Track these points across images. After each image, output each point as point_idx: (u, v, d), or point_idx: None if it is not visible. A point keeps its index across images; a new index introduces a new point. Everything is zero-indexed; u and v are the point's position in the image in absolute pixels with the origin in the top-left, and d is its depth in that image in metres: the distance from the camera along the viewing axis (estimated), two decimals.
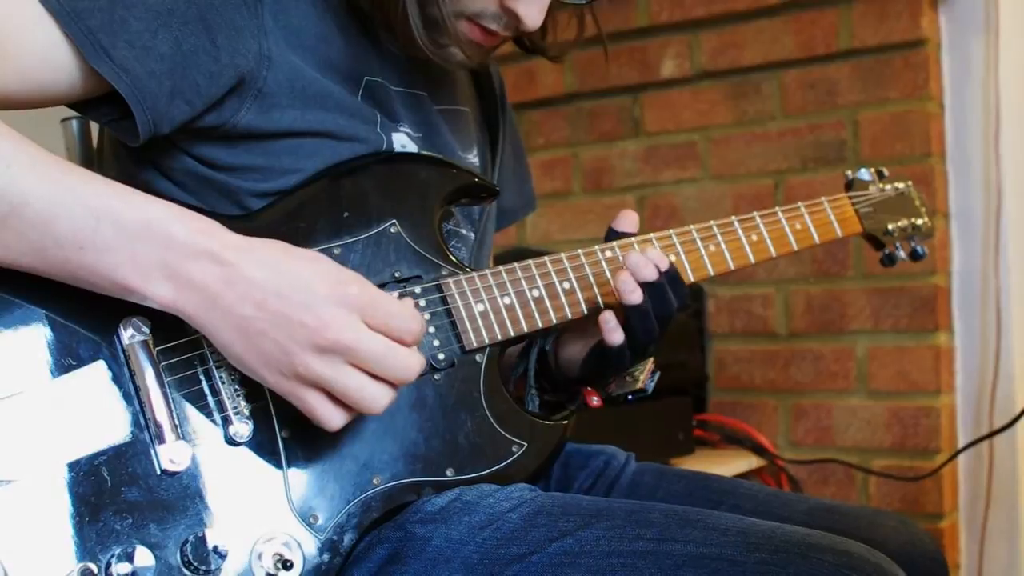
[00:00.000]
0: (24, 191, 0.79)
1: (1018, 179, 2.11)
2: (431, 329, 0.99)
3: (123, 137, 0.94)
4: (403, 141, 1.06)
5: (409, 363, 0.84)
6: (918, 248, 1.34)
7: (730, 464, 2.07)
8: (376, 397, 0.84)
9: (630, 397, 1.11)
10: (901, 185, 1.38)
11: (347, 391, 0.83)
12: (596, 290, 1.08)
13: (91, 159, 1.37)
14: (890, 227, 1.31)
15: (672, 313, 1.08)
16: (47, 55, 0.86)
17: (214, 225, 0.84)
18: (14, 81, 0.85)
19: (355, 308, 0.82)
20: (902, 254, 1.33)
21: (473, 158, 1.18)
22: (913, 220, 1.35)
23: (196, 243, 0.82)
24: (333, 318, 0.81)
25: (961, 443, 2.10)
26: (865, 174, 1.35)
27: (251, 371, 0.84)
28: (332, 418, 0.84)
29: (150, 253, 0.81)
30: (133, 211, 0.81)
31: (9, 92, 0.85)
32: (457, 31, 1.01)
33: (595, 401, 1.11)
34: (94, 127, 1.30)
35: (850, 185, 1.35)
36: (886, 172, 1.37)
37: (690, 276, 1.14)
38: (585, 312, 1.07)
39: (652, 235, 1.12)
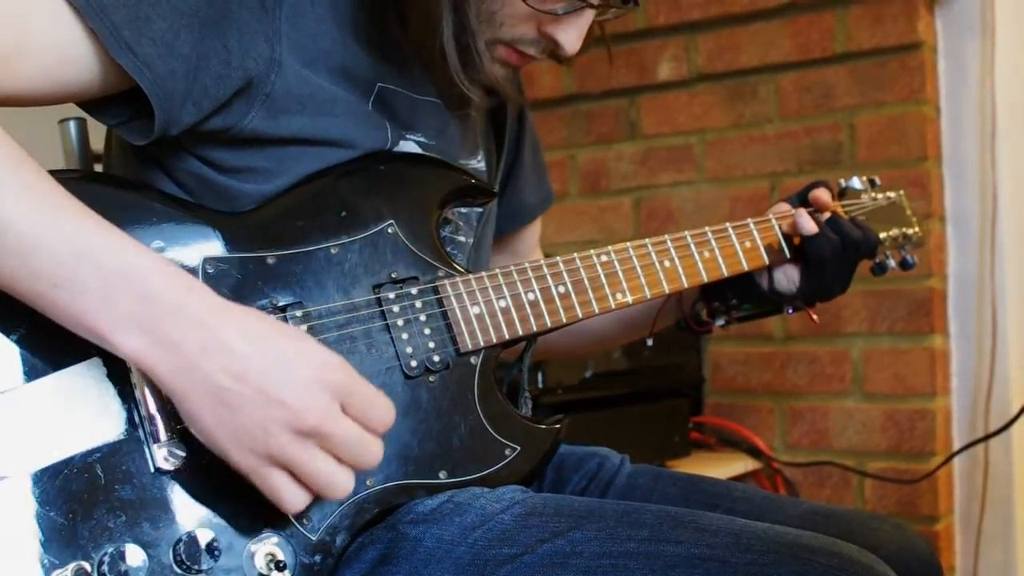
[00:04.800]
0: (9, 218, 0.77)
1: (1014, 182, 2.11)
2: (427, 330, 0.99)
3: (129, 137, 0.95)
4: (410, 149, 1.06)
5: (376, 452, 0.83)
6: (908, 257, 1.34)
7: (726, 467, 2.08)
8: (341, 483, 0.82)
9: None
10: (893, 194, 1.37)
11: (317, 475, 0.81)
12: (591, 294, 1.08)
13: (89, 160, 1.37)
14: (881, 236, 1.30)
15: (857, 247, 1.21)
16: (68, 50, 0.86)
17: (198, 283, 0.82)
18: (34, 75, 0.85)
19: (337, 394, 0.80)
20: (892, 263, 1.33)
21: (478, 163, 1.18)
22: (904, 229, 1.34)
23: (178, 300, 0.79)
24: (315, 402, 0.79)
25: (956, 446, 2.11)
26: (857, 183, 1.35)
27: (214, 443, 0.80)
28: (296, 500, 0.82)
29: (125, 302, 0.78)
30: (115, 256, 0.79)
31: (27, 87, 0.85)
32: (491, 58, 1.02)
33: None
34: (92, 128, 1.30)
35: (842, 194, 1.35)
36: (878, 181, 1.37)
37: (684, 282, 1.14)
38: (580, 316, 1.07)
39: (647, 240, 1.12)
